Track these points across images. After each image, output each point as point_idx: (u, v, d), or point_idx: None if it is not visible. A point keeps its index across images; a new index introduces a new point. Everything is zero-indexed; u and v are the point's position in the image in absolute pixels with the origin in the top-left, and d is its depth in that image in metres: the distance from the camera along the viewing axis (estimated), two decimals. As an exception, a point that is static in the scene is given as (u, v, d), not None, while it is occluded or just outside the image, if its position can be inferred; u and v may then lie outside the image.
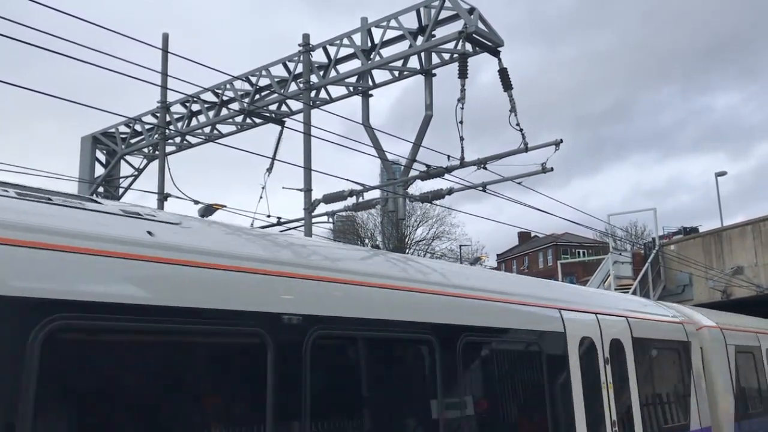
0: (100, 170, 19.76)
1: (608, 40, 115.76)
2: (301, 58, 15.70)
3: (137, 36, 7.69)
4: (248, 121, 17.36)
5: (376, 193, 16.18)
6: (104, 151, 19.87)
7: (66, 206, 4.31)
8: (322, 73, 15.74)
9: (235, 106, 17.32)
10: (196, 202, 14.66)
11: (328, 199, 15.31)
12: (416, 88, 14.83)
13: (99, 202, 4.81)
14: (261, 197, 15.56)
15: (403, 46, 14.67)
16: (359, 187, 14.60)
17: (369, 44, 14.95)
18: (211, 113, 17.59)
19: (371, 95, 15.56)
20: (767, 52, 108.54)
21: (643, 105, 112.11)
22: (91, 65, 7.45)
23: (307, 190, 15.22)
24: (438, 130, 15.27)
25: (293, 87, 16.17)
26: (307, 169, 14.87)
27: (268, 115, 16.93)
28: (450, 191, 14.11)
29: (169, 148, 18.19)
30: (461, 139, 13.14)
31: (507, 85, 13.35)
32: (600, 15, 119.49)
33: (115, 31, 7.42)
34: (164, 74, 13.01)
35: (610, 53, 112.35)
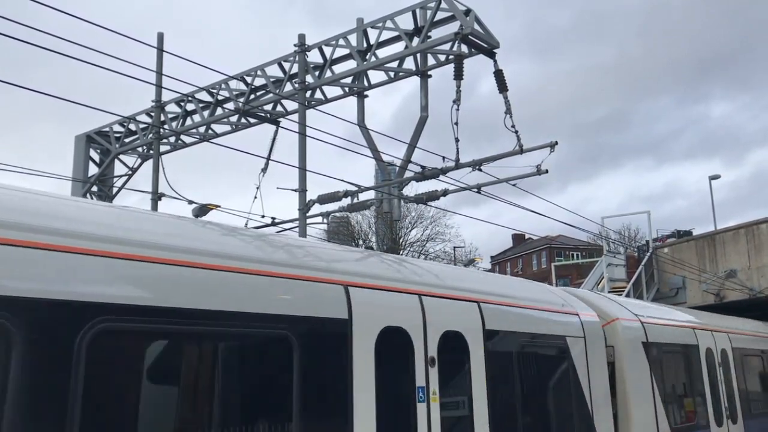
0: (94, 170, 19.71)
1: (605, 52, 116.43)
2: (297, 58, 15.70)
3: (134, 36, 7.66)
4: (243, 121, 17.33)
5: (371, 194, 16.17)
6: (98, 150, 19.82)
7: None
8: (317, 73, 15.73)
9: (230, 105, 17.29)
10: (190, 202, 14.60)
11: (323, 199, 15.29)
12: (417, 96, 14.82)
13: None
14: (255, 197, 15.53)
15: (398, 47, 14.67)
16: (354, 188, 14.59)
17: (365, 45, 14.95)
18: (206, 113, 17.56)
19: (367, 96, 15.57)
20: (759, 64, 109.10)
21: (639, 114, 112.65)
22: (87, 64, 7.42)
23: (302, 190, 15.20)
24: (434, 134, 15.29)
25: (288, 87, 16.16)
26: (302, 169, 14.86)
27: (263, 115, 16.91)
28: (445, 193, 14.11)
29: (163, 148, 18.15)
30: (456, 140, 13.14)
31: (502, 86, 13.34)
32: (597, 28, 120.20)
33: (111, 30, 7.39)
34: (159, 73, 12.98)
35: (606, 65, 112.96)
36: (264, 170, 15.80)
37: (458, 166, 13.26)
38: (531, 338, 8.32)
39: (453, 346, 6.84)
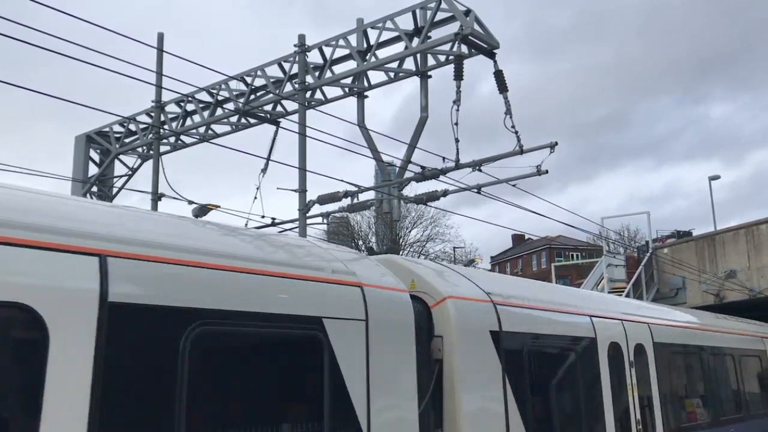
0: (94, 170, 19.72)
1: (605, 53, 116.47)
2: (297, 59, 15.70)
3: (134, 36, 7.67)
4: (243, 121, 17.33)
5: (371, 195, 16.18)
6: (98, 151, 19.84)
7: None
8: (317, 73, 15.73)
9: (230, 106, 17.30)
10: (190, 203, 14.60)
11: (323, 200, 15.30)
12: (417, 97, 14.82)
13: None
14: (255, 198, 15.52)
15: (399, 47, 14.68)
16: (354, 189, 14.60)
17: (365, 45, 14.96)
18: (206, 113, 17.56)
19: (367, 96, 15.58)
20: (759, 65, 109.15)
21: (639, 114, 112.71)
22: (87, 64, 7.42)
23: (302, 191, 15.20)
24: (434, 135, 15.31)
25: (288, 87, 16.17)
26: (302, 169, 14.86)
27: (263, 115, 16.91)
28: (445, 193, 14.11)
29: (163, 148, 18.16)
30: (456, 140, 13.14)
31: (502, 87, 13.34)
32: (597, 28, 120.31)
33: (110, 30, 7.40)
34: (159, 74, 12.99)
35: (606, 65, 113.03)
36: (264, 170, 15.80)
37: (458, 166, 13.26)
38: (230, 321, 4.73)
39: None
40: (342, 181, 12.48)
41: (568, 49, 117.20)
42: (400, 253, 45.48)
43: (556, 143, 12.75)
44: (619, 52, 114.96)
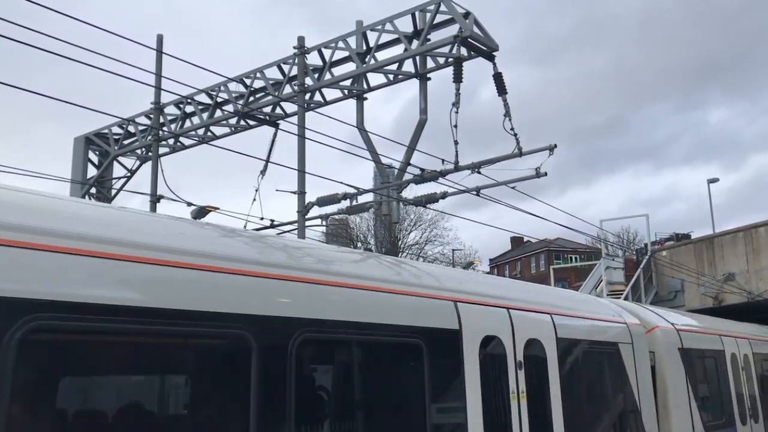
0: (92, 171, 19.68)
1: (604, 58, 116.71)
2: (296, 61, 15.69)
3: (134, 38, 7.66)
4: (242, 123, 17.31)
5: (370, 197, 16.16)
6: (97, 152, 19.79)
7: None
8: (316, 75, 15.72)
9: (229, 107, 17.27)
10: (189, 204, 14.58)
11: (322, 201, 15.29)
12: (417, 102, 14.78)
13: None
14: (254, 199, 15.51)
15: (398, 49, 14.67)
16: (353, 190, 14.59)
17: (364, 47, 14.95)
18: (205, 115, 17.54)
19: (366, 98, 15.55)
20: (757, 70, 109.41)
21: (638, 119, 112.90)
22: (87, 66, 7.41)
23: (301, 192, 15.18)
24: (434, 138, 15.29)
25: (288, 89, 16.15)
26: (301, 171, 14.85)
27: (262, 117, 16.88)
28: (444, 195, 14.10)
29: (162, 150, 18.13)
30: (455, 143, 13.13)
31: (502, 89, 13.34)
32: (596, 34, 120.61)
33: (110, 32, 7.39)
34: (158, 75, 12.99)
35: (605, 71, 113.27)
36: (263, 172, 15.78)
37: (457, 168, 13.25)
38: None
39: None
40: (341, 183, 12.47)
41: (568, 55, 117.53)
42: (399, 254, 45.44)
43: (555, 145, 12.76)
44: (618, 57, 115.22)
